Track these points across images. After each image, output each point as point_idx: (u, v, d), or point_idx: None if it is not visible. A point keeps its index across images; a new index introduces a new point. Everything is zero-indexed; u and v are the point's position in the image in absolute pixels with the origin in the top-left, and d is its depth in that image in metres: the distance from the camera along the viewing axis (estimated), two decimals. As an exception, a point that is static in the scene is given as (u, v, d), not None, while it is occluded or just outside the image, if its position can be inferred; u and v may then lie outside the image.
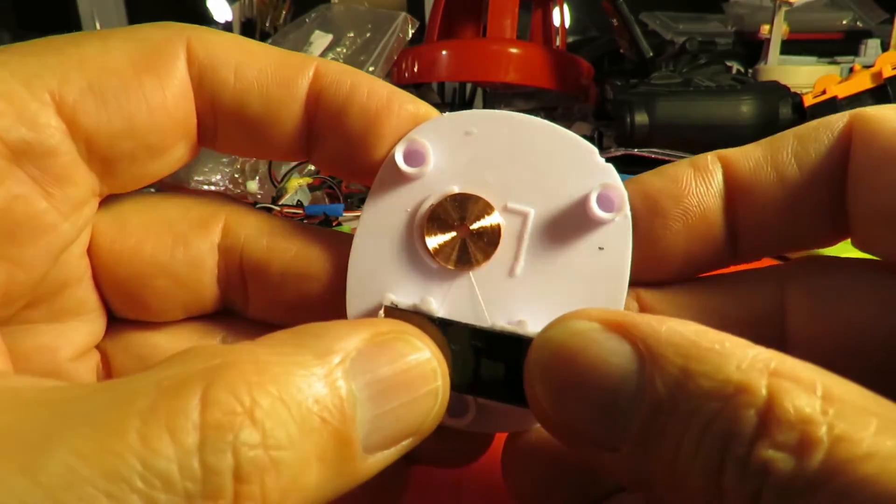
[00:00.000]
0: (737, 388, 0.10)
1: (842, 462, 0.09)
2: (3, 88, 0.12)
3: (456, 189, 0.14)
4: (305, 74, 0.15)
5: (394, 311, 0.14)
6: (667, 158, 0.58)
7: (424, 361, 0.12)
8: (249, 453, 0.09)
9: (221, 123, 0.15)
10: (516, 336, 0.13)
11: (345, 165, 0.16)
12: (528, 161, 0.14)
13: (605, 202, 0.14)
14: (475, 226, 0.14)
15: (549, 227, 0.14)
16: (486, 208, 0.14)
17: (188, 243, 0.16)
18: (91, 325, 0.16)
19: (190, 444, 0.09)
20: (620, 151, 0.60)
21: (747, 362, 0.10)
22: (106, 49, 0.14)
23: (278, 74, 0.15)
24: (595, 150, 0.14)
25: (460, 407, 0.14)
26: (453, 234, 0.14)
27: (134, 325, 0.17)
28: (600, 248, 0.14)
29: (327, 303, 0.16)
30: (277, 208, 0.47)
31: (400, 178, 0.15)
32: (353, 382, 0.11)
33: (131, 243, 0.15)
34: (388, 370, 0.11)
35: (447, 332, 0.13)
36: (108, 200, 0.16)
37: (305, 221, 0.47)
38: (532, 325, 0.13)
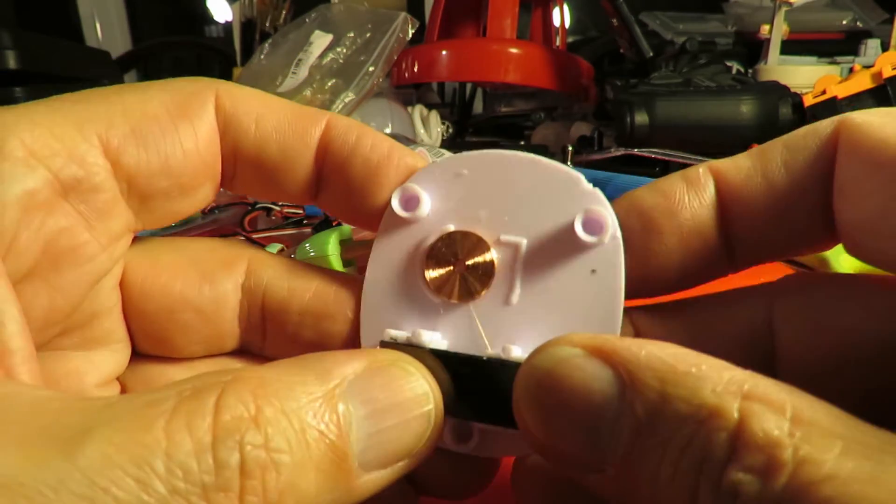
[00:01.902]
0: (711, 412, 0.10)
1: (804, 484, 0.09)
2: (58, 131, 0.14)
3: (451, 227, 0.15)
4: (318, 126, 0.16)
5: (389, 344, 0.15)
6: (667, 158, 0.58)
7: (417, 386, 0.13)
8: (253, 452, 0.10)
9: (241, 167, 0.17)
10: (501, 362, 0.14)
11: (348, 210, 0.17)
12: (517, 194, 0.15)
13: (591, 226, 0.15)
14: (470, 261, 0.15)
15: (542, 255, 0.15)
16: (479, 243, 0.15)
17: (214, 281, 0.17)
18: (117, 356, 0.17)
19: (206, 442, 0.10)
20: (620, 151, 0.60)
21: (722, 385, 0.10)
22: (146, 98, 0.15)
23: (294, 125, 0.16)
24: (581, 176, 0.15)
25: (464, 433, 0.15)
26: (450, 269, 0.15)
27: (154, 360, 0.18)
28: (593, 271, 0.15)
29: (343, 340, 0.17)
30: (278, 208, 0.47)
31: (400, 223, 0.16)
32: (349, 402, 0.12)
33: (163, 280, 0.17)
34: (383, 393, 0.12)
35: (442, 362, 0.14)
36: (140, 242, 0.17)
37: (305, 222, 0.47)
38: (523, 349, 0.14)
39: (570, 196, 0.15)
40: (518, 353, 0.14)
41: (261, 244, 0.41)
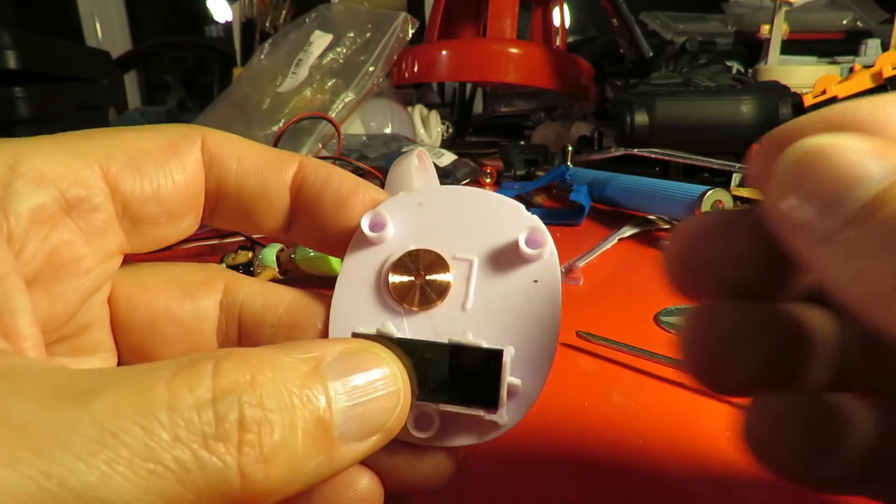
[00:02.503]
0: None
1: None
2: (64, 159, 0.16)
3: (413, 247, 0.18)
4: (292, 165, 0.19)
5: (360, 335, 0.17)
6: (667, 158, 0.58)
7: (386, 367, 0.14)
8: (250, 410, 0.11)
9: (222, 201, 0.19)
10: (461, 346, 0.16)
11: (319, 238, 0.19)
12: (468, 220, 0.18)
13: (533, 243, 0.17)
14: (429, 275, 0.18)
15: (492, 269, 0.17)
16: (438, 259, 0.18)
17: (195, 298, 0.19)
18: (104, 363, 0.18)
19: (206, 398, 0.11)
20: (620, 151, 0.60)
21: None
22: (141, 137, 0.17)
23: (271, 164, 0.19)
24: (521, 206, 0.18)
25: (426, 422, 0.17)
26: (412, 280, 0.18)
27: None
28: (535, 281, 0.17)
29: None
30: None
31: (367, 243, 0.18)
32: (328, 379, 0.13)
33: (148, 296, 0.18)
34: (357, 371, 0.14)
35: (406, 350, 0.16)
36: (126, 266, 0.19)
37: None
38: (473, 337, 0.17)
39: (513, 221, 0.17)
40: (473, 338, 0.16)
41: (261, 244, 0.41)
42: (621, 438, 0.22)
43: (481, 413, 0.16)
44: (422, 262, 0.18)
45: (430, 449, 0.17)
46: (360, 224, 0.18)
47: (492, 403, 0.16)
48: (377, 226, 0.18)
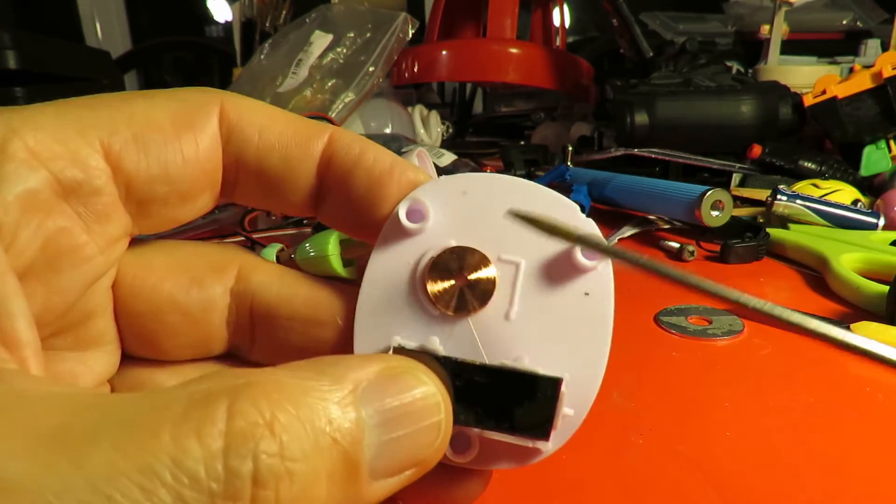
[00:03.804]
0: None
1: None
2: (61, 135, 0.14)
3: (453, 242, 0.16)
4: (321, 138, 0.17)
5: (402, 351, 0.15)
6: (667, 158, 0.58)
7: (429, 395, 0.12)
8: (268, 461, 0.10)
9: (242, 177, 0.17)
10: (515, 371, 0.14)
11: (349, 222, 0.17)
12: None
13: (589, 252, 0.15)
14: (472, 276, 0.15)
15: (540, 276, 0.16)
16: (483, 260, 0.16)
17: (203, 285, 0.17)
18: (109, 357, 0.17)
19: (216, 449, 0.10)
20: (620, 151, 0.60)
21: None
22: (151, 106, 0.16)
23: (297, 136, 0.16)
24: (577, 206, 0.16)
25: (464, 444, 0.15)
26: (452, 282, 0.15)
27: (143, 363, 0.18)
28: (586, 294, 0.15)
29: (332, 347, 0.17)
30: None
31: (402, 234, 0.16)
32: (363, 409, 0.11)
33: (152, 281, 0.17)
34: (396, 400, 0.12)
35: (451, 370, 0.14)
36: (132, 243, 0.17)
37: (305, 222, 0.47)
38: (529, 362, 0.15)
39: (567, 222, 0.15)
40: (528, 363, 0.15)
41: (261, 244, 0.41)
42: (621, 438, 0.22)
43: (529, 443, 0.14)
44: (465, 262, 0.15)
45: (462, 470, 0.15)
46: (395, 210, 0.16)
47: (544, 434, 0.14)
48: (415, 214, 0.16)
